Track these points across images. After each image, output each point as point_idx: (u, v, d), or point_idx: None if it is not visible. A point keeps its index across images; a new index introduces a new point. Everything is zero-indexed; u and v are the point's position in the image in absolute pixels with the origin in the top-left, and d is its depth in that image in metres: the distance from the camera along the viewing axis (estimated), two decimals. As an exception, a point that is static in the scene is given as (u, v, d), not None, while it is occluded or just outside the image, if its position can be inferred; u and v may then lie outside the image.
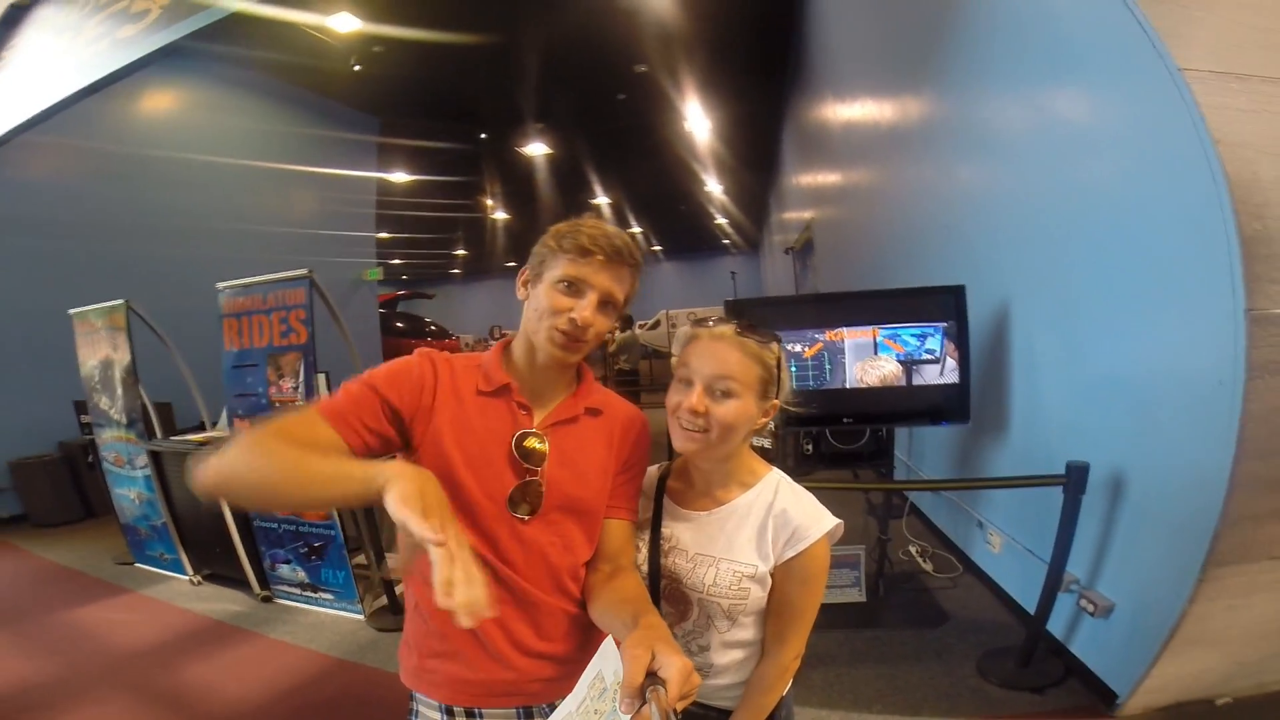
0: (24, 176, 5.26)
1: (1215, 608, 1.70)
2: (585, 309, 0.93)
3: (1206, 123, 1.48)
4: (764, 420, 0.99)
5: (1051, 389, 2.44)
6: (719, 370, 0.94)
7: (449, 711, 0.98)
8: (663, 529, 1.04)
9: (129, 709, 2.43)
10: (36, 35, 4.34)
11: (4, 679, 2.67)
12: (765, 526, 0.98)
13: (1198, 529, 1.64)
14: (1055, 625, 2.29)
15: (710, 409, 0.94)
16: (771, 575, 0.97)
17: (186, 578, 3.70)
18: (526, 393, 0.99)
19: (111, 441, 3.92)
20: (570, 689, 0.72)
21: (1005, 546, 2.73)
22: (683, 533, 1.03)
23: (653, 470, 1.11)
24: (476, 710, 0.98)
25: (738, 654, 1.01)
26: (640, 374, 8.98)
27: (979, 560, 3.12)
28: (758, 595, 0.97)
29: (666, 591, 1.02)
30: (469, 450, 0.94)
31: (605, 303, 0.95)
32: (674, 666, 0.66)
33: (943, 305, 2.59)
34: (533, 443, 0.96)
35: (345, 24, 5.85)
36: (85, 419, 4.41)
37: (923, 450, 3.96)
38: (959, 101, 3.09)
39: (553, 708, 0.98)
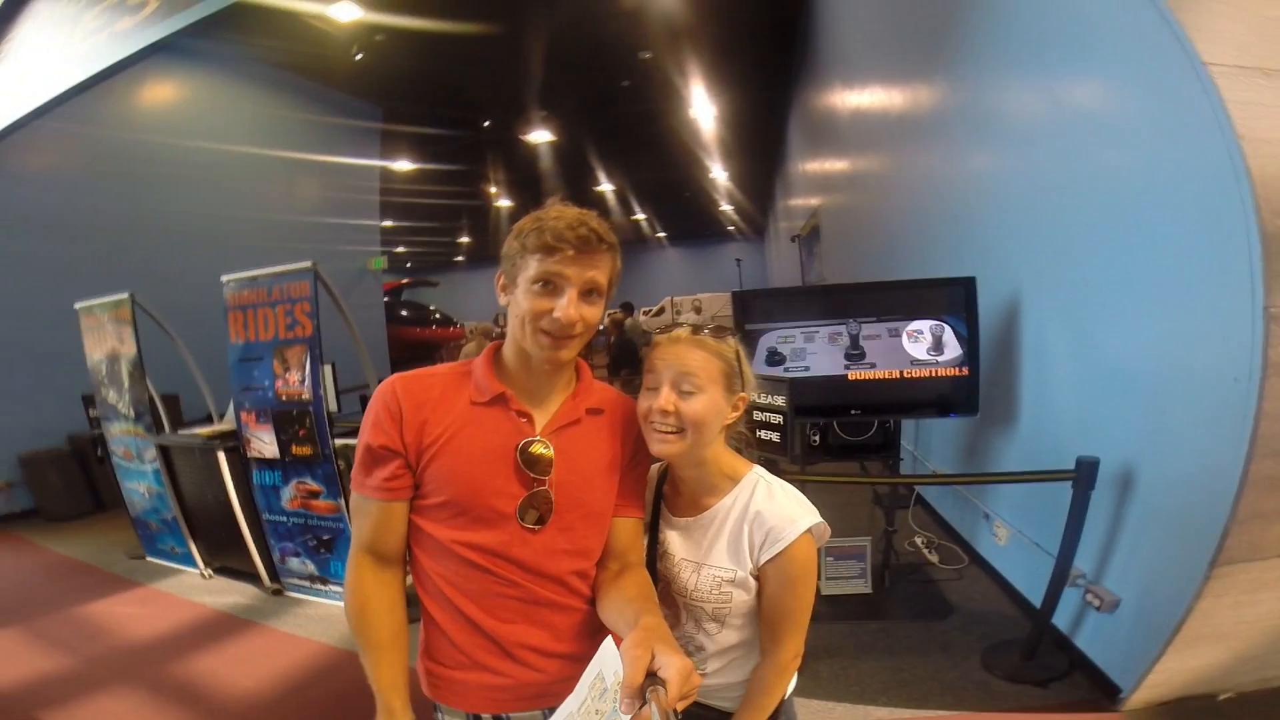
0: (25, 171, 5.24)
1: (1221, 604, 1.70)
2: (566, 306, 0.89)
3: (1230, 118, 1.45)
4: (735, 415, 1.01)
5: (1061, 382, 2.42)
6: (681, 368, 0.96)
7: (475, 719, 0.98)
8: (659, 533, 1.07)
9: (142, 703, 2.46)
10: (33, 29, 4.30)
11: (19, 673, 2.71)
12: (741, 530, 0.99)
13: (1207, 526, 1.63)
14: (1060, 619, 2.29)
15: (679, 407, 0.95)
16: (756, 578, 0.99)
17: (197, 571, 3.74)
18: (524, 398, 0.96)
19: (120, 435, 3.94)
20: None
21: (1011, 539, 2.72)
22: (673, 538, 1.06)
23: (651, 471, 1.12)
24: (504, 716, 0.98)
25: (733, 654, 1.03)
26: (641, 360, 9.04)
27: (985, 552, 3.11)
28: (741, 598, 0.99)
29: (661, 594, 1.03)
30: (471, 466, 0.92)
31: (588, 293, 0.91)
32: (674, 666, 0.66)
33: (952, 297, 2.57)
34: (538, 450, 0.94)
35: (346, 13, 5.78)
36: (93, 413, 4.42)
37: (930, 441, 3.94)
38: (973, 90, 3.04)
39: None
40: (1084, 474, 2.01)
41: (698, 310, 13.04)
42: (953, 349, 2.59)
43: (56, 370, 5.04)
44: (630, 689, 0.64)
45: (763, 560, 0.97)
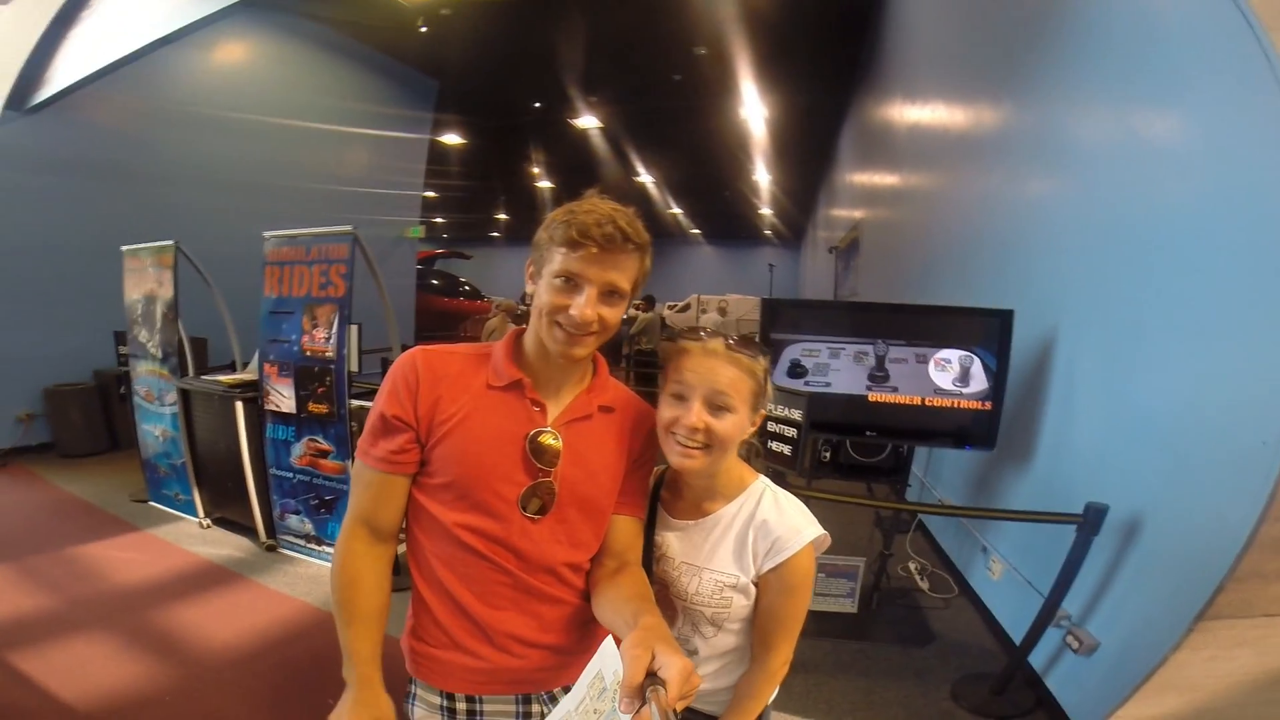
0: (89, 119, 5.37)
1: (1198, 657, 1.67)
2: (584, 306, 0.88)
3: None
4: (752, 430, 1.00)
5: (1084, 425, 2.35)
6: (716, 385, 0.95)
7: (449, 698, 1.00)
8: (655, 536, 1.07)
9: (117, 648, 2.45)
10: None
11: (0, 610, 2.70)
12: (746, 537, 1.00)
13: (1203, 580, 1.60)
14: (1036, 658, 2.27)
15: (710, 425, 0.94)
16: (756, 585, 0.99)
17: (196, 520, 3.77)
18: (540, 387, 0.96)
19: (145, 375, 4.05)
20: (570, 677, 0.73)
21: (1005, 574, 2.68)
22: (671, 541, 1.06)
23: None
24: (476, 697, 0.99)
25: (727, 658, 1.04)
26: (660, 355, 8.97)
27: (976, 584, 3.07)
28: (741, 604, 1.00)
29: (658, 596, 1.02)
30: (481, 448, 0.93)
31: (609, 294, 0.90)
32: (674, 667, 0.66)
33: (987, 328, 2.52)
34: (547, 440, 0.94)
35: (418, -15, 5.85)
36: (123, 350, 4.50)
37: (939, 469, 3.87)
38: (1041, 113, 2.91)
39: (552, 696, 1.01)
40: (1090, 519, 1.97)
41: (723, 312, 12.94)
42: (979, 382, 2.53)
43: (92, 307, 5.13)
44: (630, 689, 0.64)
45: (765, 568, 0.98)
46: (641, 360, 8.28)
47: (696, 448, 0.95)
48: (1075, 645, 2.07)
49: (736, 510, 1.02)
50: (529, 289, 0.96)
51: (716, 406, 0.95)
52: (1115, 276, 2.21)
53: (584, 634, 1.00)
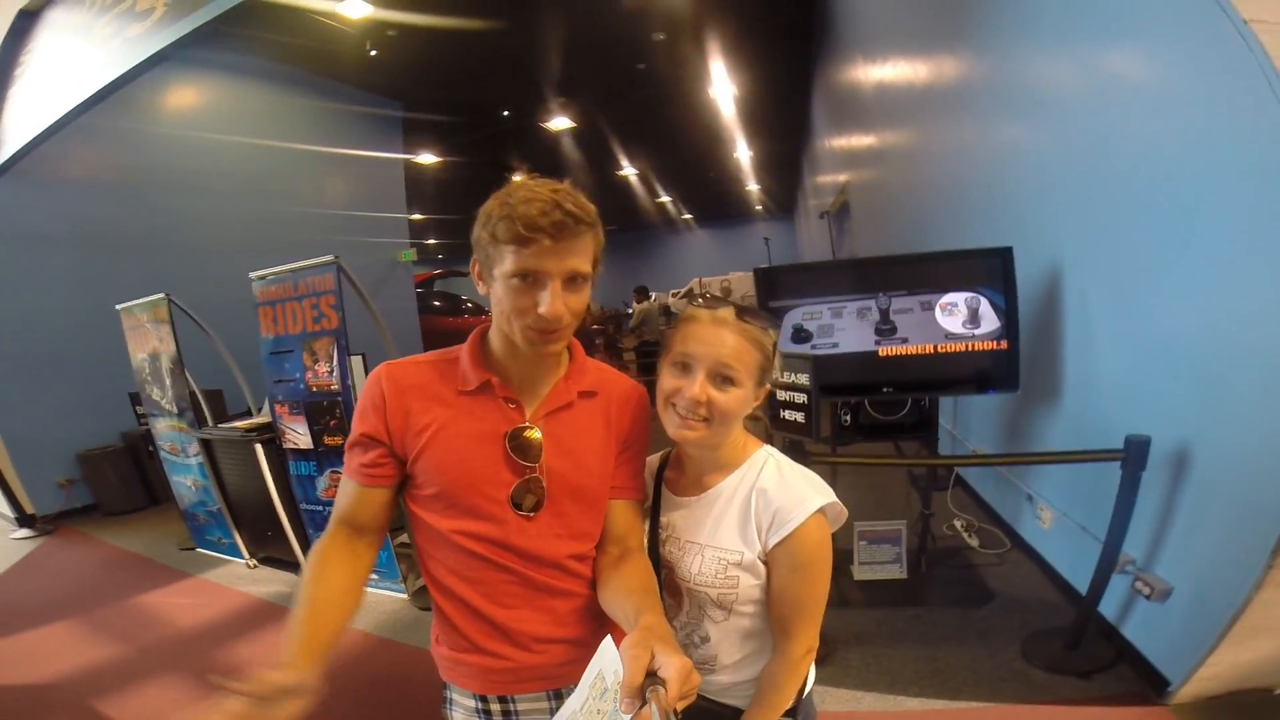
0: (57, 180, 5.37)
1: None
2: (551, 301, 0.82)
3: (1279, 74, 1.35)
4: (756, 405, 0.95)
5: (1108, 355, 2.27)
6: (722, 357, 0.89)
7: (483, 699, 0.99)
8: (661, 518, 1.02)
9: (192, 689, 2.54)
10: (50, 38, 4.37)
11: (75, 663, 2.82)
12: (749, 510, 0.93)
13: (1269, 510, 1.52)
14: (1106, 607, 2.17)
15: (713, 398, 0.90)
16: (764, 563, 0.93)
17: (243, 561, 3.87)
18: (513, 385, 0.94)
19: (165, 431, 4.09)
20: None
21: (1056, 522, 2.60)
22: (677, 520, 1.01)
23: (653, 459, 1.08)
24: (509, 697, 0.98)
25: (747, 646, 0.97)
26: (660, 343, 8.82)
27: (1028, 536, 2.99)
28: (749, 583, 0.93)
29: (665, 581, 0.99)
30: (461, 455, 0.91)
31: (570, 280, 0.84)
32: (673, 666, 0.66)
33: (988, 268, 2.44)
34: (527, 436, 0.92)
35: (356, 10, 5.79)
36: (140, 410, 4.58)
37: (969, 418, 3.80)
38: (999, 59, 2.91)
39: None
40: (1134, 454, 1.89)
41: (727, 292, 12.86)
42: (990, 321, 2.46)
43: (108, 371, 5.17)
44: (630, 689, 0.64)
45: (771, 544, 0.91)
46: (644, 351, 8.19)
47: (698, 420, 0.91)
48: (1146, 591, 1.98)
49: (738, 482, 0.96)
50: (481, 290, 0.90)
51: (721, 378, 0.90)
52: (1109, 208, 2.15)
53: (602, 624, 0.97)
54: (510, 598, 0.94)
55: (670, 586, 1.00)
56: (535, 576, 0.93)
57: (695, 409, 0.90)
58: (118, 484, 5.36)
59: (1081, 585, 2.18)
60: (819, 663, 1.03)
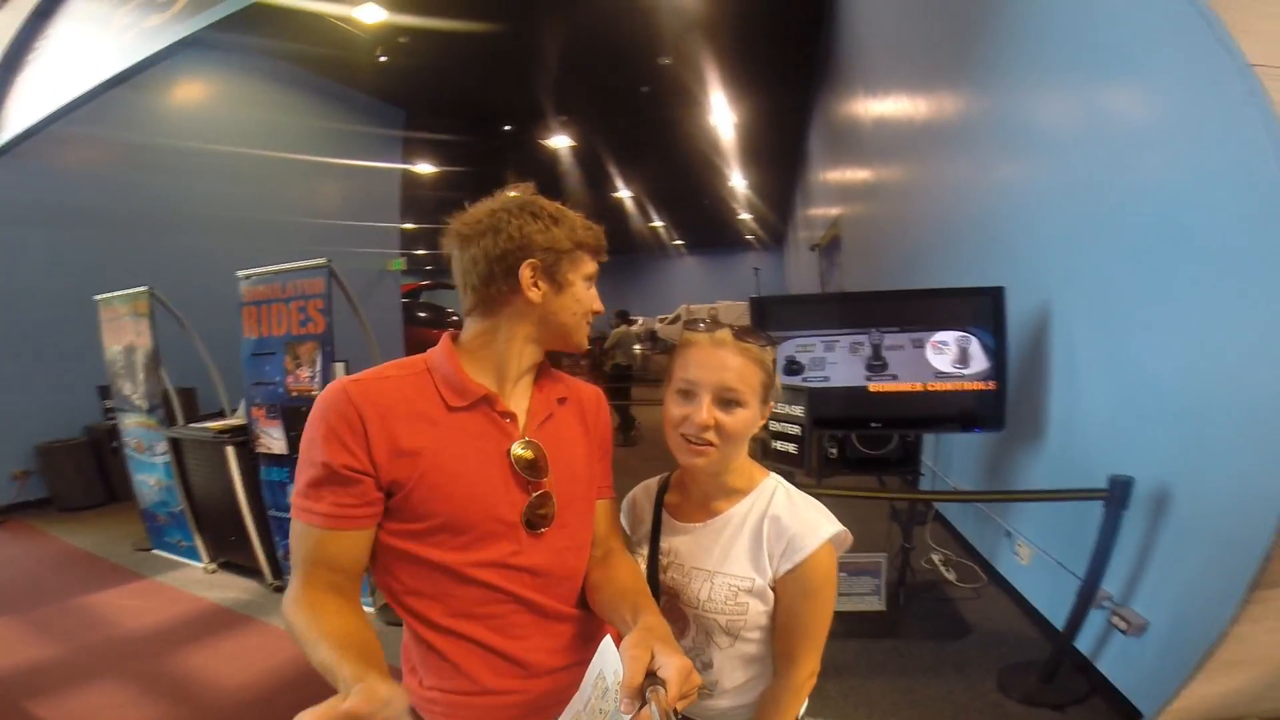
0: (51, 166, 5.32)
1: (1259, 629, 1.61)
2: (596, 298, 0.96)
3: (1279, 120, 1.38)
4: (760, 423, 0.95)
5: (1093, 397, 2.32)
6: (725, 380, 0.89)
7: None
8: (661, 544, 1.00)
9: (133, 696, 2.43)
10: (68, 25, 4.39)
11: (13, 662, 2.71)
12: (761, 537, 0.92)
13: (1247, 549, 1.55)
14: (1082, 641, 2.19)
15: (720, 421, 0.89)
16: (773, 589, 0.92)
17: (201, 565, 3.74)
18: (504, 398, 0.90)
19: (133, 427, 3.97)
20: None
21: (1034, 559, 2.62)
22: (680, 546, 0.99)
23: (651, 483, 1.07)
24: None
25: (749, 671, 0.96)
26: (634, 367, 8.66)
27: (1005, 571, 3.00)
28: (758, 610, 0.92)
29: (666, 608, 0.96)
30: (466, 479, 0.84)
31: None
32: (673, 666, 0.66)
33: (979, 307, 2.49)
34: (530, 452, 0.88)
35: (371, 15, 5.86)
36: (108, 404, 4.47)
37: (949, 456, 3.83)
38: (1001, 98, 2.97)
39: None
40: (1118, 493, 1.92)
41: (714, 320, 12.94)
42: (979, 361, 2.50)
43: (76, 361, 5.10)
44: (630, 689, 0.64)
45: (783, 570, 0.90)
46: (616, 375, 7.84)
47: (707, 445, 0.90)
48: (1123, 626, 2.00)
49: (748, 508, 0.95)
50: (534, 295, 0.87)
51: (726, 401, 0.89)
52: (1101, 249, 2.21)
53: (591, 641, 0.93)
54: (522, 628, 0.88)
55: (673, 613, 0.97)
56: (544, 602, 0.89)
57: (703, 433, 0.89)
58: (75, 478, 5.19)
59: (1057, 619, 2.20)
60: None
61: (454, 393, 0.85)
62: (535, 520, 0.87)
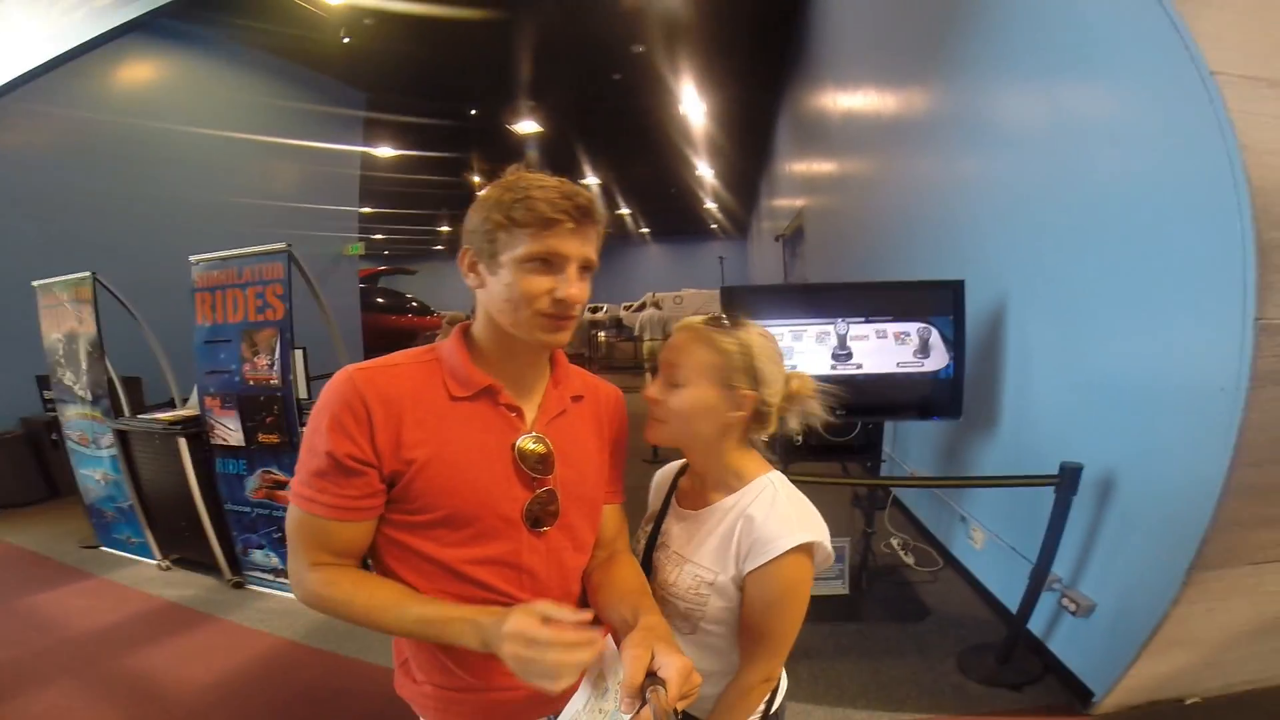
0: (-8, 146, 4.99)
1: (1196, 610, 1.72)
2: (570, 284, 0.80)
3: (1235, 126, 1.43)
4: (740, 414, 0.94)
5: (1045, 387, 2.42)
6: (669, 359, 0.95)
7: None
8: (663, 524, 1.04)
9: (90, 698, 2.34)
10: (11, 3, 4.08)
11: (-43, 667, 2.56)
12: (733, 533, 0.92)
13: (1186, 533, 1.64)
14: (1034, 623, 2.30)
15: (663, 398, 0.94)
16: (740, 589, 0.92)
17: (154, 562, 3.59)
18: (510, 389, 0.87)
19: (76, 419, 3.76)
20: None
21: (987, 543, 2.74)
22: (675, 530, 1.02)
23: (669, 467, 1.11)
24: None
25: (712, 664, 0.96)
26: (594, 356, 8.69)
27: (960, 555, 3.13)
28: (718, 605, 0.92)
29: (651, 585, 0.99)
30: (469, 473, 0.83)
31: (584, 269, 0.83)
32: (674, 666, 0.66)
33: (940, 299, 2.56)
34: (536, 447, 0.87)
35: (334, -6, 5.63)
36: (48, 395, 4.23)
37: (906, 443, 3.96)
38: (967, 94, 3.03)
39: None
40: (1068, 479, 2.01)
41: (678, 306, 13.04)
42: (939, 352, 2.58)
43: (12, 350, 4.79)
44: (630, 689, 0.64)
45: (745, 570, 0.90)
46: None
47: (657, 420, 0.96)
48: (1072, 608, 2.10)
49: (734, 504, 0.95)
50: (471, 283, 0.85)
51: (670, 382, 0.95)
52: (1057, 246, 2.29)
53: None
54: None
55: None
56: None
57: (654, 407, 0.96)
58: (12, 474, 4.89)
59: (1011, 602, 2.30)
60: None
61: (458, 383, 0.85)
62: (541, 517, 0.86)
